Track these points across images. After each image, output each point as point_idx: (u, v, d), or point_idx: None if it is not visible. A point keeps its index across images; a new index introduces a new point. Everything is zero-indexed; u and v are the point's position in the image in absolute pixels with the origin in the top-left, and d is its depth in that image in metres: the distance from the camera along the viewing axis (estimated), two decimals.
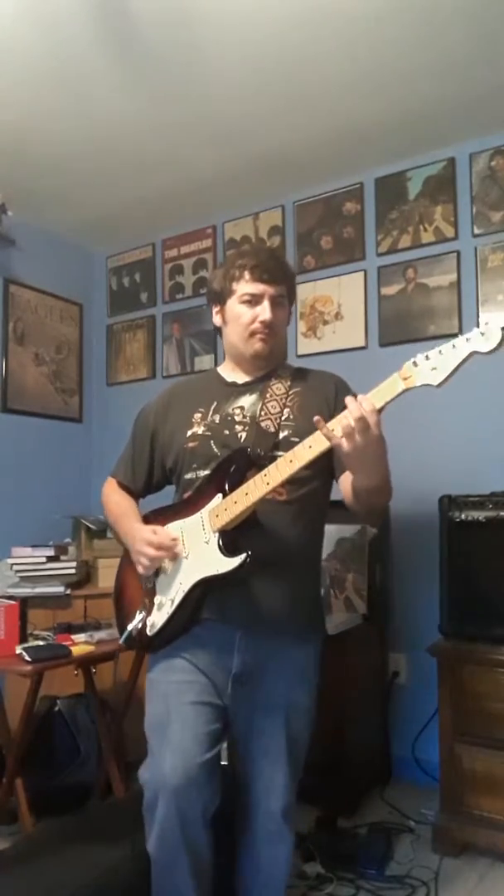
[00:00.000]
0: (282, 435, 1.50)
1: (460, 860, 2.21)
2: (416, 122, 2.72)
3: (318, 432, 1.29)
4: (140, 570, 1.53)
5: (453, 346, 1.20)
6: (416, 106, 2.60)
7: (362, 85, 2.47)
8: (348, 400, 1.26)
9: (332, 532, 2.77)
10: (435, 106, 2.60)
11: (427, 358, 1.23)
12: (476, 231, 2.82)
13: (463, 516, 2.32)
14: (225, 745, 1.52)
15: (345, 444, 1.26)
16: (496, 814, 2.16)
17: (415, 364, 1.24)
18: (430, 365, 1.22)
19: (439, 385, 1.21)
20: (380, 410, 1.26)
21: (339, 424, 1.26)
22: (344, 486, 1.50)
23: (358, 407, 1.24)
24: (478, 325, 1.19)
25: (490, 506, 2.29)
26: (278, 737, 1.52)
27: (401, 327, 2.97)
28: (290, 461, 1.34)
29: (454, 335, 1.19)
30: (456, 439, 2.67)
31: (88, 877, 1.61)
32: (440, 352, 1.21)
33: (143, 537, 1.50)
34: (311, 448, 1.32)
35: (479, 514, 2.30)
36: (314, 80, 2.44)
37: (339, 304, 3.14)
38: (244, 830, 1.59)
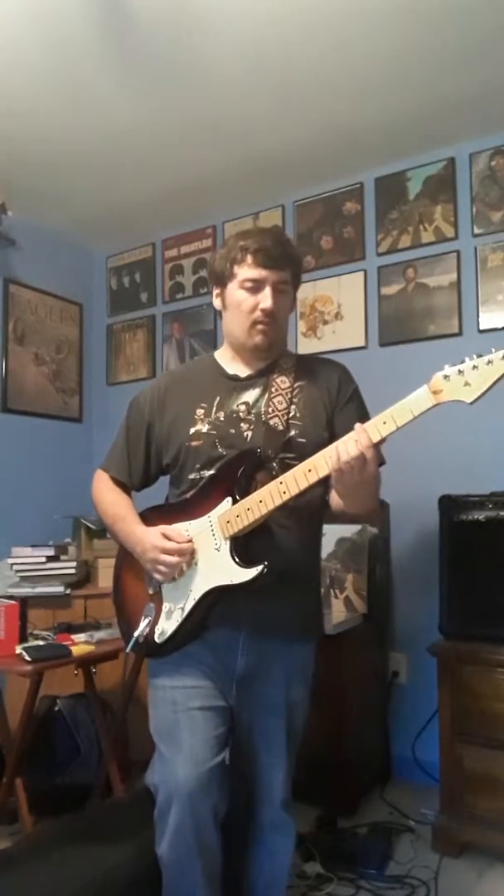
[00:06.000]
0: (290, 434, 1.47)
1: (460, 860, 2.21)
2: (416, 122, 2.72)
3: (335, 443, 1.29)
4: (158, 577, 1.48)
5: (489, 361, 1.15)
6: (415, 106, 2.60)
7: (362, 85, 2.47)
8: (347, 437, 1.26)
9: (332, 532, 2.77)
10: (435, 106, 2.60)
11: (460, 372, 1.17)
12: (476, 231, 2.82)
13: (463, 516, 2.32)
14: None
15: (339, 476, 1.27)
16: (496, 814, 2.16)
17: (446, 378, 1.19)
18: (463, 380, 1.17)
19: (472, 402, 1.17)
20: (405, 425, 1.22)
21: (334, 453, 1.26)
22: (333, 496, 1.49)
23: (356, 445, 1.24)
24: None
25: (490, 506, 2.29)
26: (280, 734, 1.53)
27: (401, 327, 2.97)
28: (309, 471, 1.31)
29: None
30: (456, 439, 2.67)
31: (88, 877, 1.61)
32: (474, 367, 1.16)
33: (155, 544, 1.44)
34: (330, 458, 1.29)
35: (479, 514, 2.30)
36: (314, 80, 2.44)
37: (339, 304, 3.14)
38: (248, 825, 1.59)
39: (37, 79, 2.42)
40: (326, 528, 1.65)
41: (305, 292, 3.17)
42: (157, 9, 2.08)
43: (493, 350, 1.17)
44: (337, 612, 2.67)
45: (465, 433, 2.66)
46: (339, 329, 3.14)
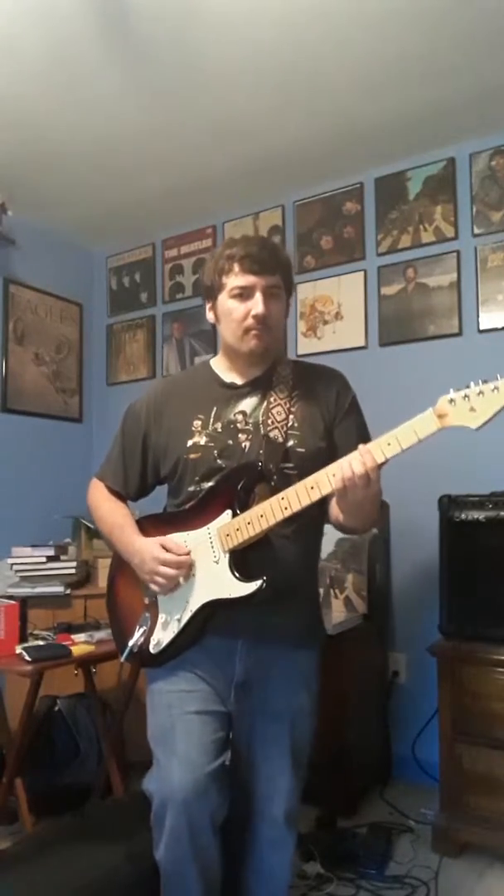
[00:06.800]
0: (288, 444, 1.45)
1: (460, 860, 2.21)
2: (416, 122, 2.72)
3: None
4: (156, 589, 1.46)
5: (494, 388, 1.15)
6: (416, 106, 2.60)
7: (362, 85, 2.47)
8: (353, 455, 1.26)
9: (333, 532, 2.74)
10: (435, 106, 2.60)
11: (466, 398, 1.17)
12: (476, 231, 2.82)
13: (463, 516, 2.32)
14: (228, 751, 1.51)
15: (343, 494, 1.27)
16: (496, 814, 2.16)
17: (451, 402, 1.19)
18: (468, 405, 1.17)
19: (478, 429, 1.17)
20: (410, 447, 1.23)
21: (339, 471, 1.26)
22: (332, 508, 1.48)
23: (361, 464, 1.24)
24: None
25: (490, 506, 2.29)
26: (282, 743, 1.50)
27: (401, 327, 2.97)
28: (312, 488, 1.30)
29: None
30: (456, 439, 2.66)
31: (88, 877, 1.61)
32: (480, 393, 1.16)
33: (154, 555, 1.42)
34: (334, 476, 1.28)
35: (479, 514, 2.30)
36: (314, 80, 2.44)
37: (339, 304, 3.14)
38: (247, 835, 1.57)
39: (37, 78, 2.41)
40: (326, 528, 1.63)
41: (305, 292, 3.17)
42: (158, 8, 2.08)
43: (500, 377, 1.16)
44: (337, 612, 2.67)
45: (465, 433, 2.66)
46: (339, 329, 3.13)
